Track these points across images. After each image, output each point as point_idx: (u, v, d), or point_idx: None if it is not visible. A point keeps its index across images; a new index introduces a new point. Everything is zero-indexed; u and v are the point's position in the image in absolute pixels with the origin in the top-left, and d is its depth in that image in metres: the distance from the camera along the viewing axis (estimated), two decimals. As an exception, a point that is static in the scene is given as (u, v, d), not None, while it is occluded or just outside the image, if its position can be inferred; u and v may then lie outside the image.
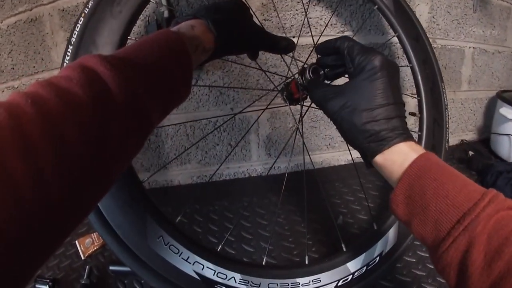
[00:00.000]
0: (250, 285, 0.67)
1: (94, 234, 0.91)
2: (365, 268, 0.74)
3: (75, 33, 0.66)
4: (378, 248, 0.76)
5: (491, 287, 0.34)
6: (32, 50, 1.03)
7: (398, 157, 0.46)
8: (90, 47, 0.65)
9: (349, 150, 0.90)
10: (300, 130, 0.79)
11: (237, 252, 0.89)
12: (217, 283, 0.65)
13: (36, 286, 0.77)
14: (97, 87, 0.34)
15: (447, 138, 0.89)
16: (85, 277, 0.80)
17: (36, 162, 0.27)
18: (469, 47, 1.31)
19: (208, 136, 1.14)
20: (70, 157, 0.30)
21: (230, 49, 0.57)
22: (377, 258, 0.75)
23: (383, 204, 1.06)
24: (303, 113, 0.78)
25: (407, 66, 0.91)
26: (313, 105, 0.60)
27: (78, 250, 0.88)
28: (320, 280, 0.71)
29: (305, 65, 0.62)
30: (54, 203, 0.28)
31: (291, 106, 0.72)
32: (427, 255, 0.79)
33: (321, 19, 1.09)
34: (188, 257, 0.64)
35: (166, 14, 0.93)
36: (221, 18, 0.53)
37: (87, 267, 0.82)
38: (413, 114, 0.90)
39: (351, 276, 0.72)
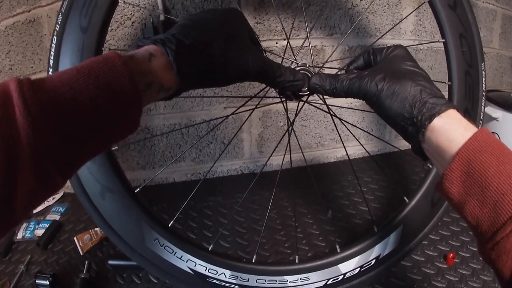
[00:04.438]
0: (240, 279, 0.73)
1: (92, 230, 0.94)
2: (358, 269, 0.75)
3: (51, 55, 0.65)
4: (376, 251, 0.75)
5: None
6: (30, 51, 1.05)
7: (459, 124, 0.42)
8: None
9: (344, 148, 0.90)
10: (290, 128, 0.81)
11: (232, 245, 0.93)
12: (208, 277, 0.73)
13: (37, 281, 0.80)
14: (7, 132, 0.31)
15: None
16: (84, 272, 0.83)
17: None
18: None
19: (202, 134, 1.17)
20: None
21: (202, 83, 0.47)
22: (373, 261, 0.75)
23: (377, 201, 1.10)
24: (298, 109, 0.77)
25: (438, 41, 0.76)
26: (309, 100, 0.62)
27: (77, 246, 0.91)
28: (309, 279, 0.74)
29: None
30: None
31: (283, 102, 0.72)
32: (423, 259, 0.82)
33: (310, 22, 1.13)
34: (182, 256, 0.71)
35: (162, 17, 0.95)
36: (191, 44, 0.42)
37: (86, 262, 0.85)
38: None
39: (342, 276, 0.75)
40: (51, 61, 0.65)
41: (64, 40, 0.64)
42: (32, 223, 1.00)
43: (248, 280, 0.73)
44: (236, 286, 0.73)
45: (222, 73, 0.46)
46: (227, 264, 0.73)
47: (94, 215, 0.69)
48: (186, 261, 0.72)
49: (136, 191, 0.71)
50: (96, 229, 0.95)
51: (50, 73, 0.66)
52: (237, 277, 0.73)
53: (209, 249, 0.74)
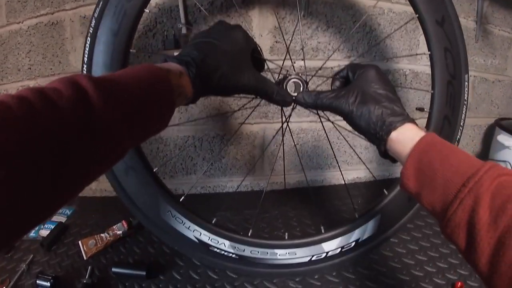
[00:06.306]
0: (237, 249, 0.83)
1: (98, 236, 0.93)
2: (339, 249, 0.84)
3: (86, 53, 0.75)
4: (355, 234, 0.84)
5: (498, 241, 0.38)
6: (51, 53, 1.06)
7: (410, 133, 0.52)
8: (101, 67, 0.75)
9: (341, 172, 0.93)
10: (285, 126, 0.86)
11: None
12: (211, 245, 0.83)
13: (38, 282, 0.79)
14: (84, 107, 0.36)
15: (458, 137, 0.83)
16: (86, 277, 0.82)
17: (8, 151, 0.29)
18: (470, 76, 1.34)
19: (215, 148, 1.17)
20: (40, 155, 0.32)
21: (210, 94, 0.58)
22: (353, 243, 0.84)
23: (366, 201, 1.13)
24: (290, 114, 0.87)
25: (424, 54, 0.84)
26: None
27: (81, 251, 0.90)
28: (296, 254, 0.83)
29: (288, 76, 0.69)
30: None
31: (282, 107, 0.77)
32: (431, 287, 0.81)
33: (329, 44, 1.14)
34: (189, 226, 0.82)
35: (184, 30, 0.97)
36: (205, 68, 0.53)
37: (89, 267, 0.84)
38: (420, 109, 0.85)
39: (325, 254, 0.84)
40: (85, 59, 0.75)
41: (97, 41, 0.74)
42: (37, 223, 0.99)
43: (244, 251, 0.83)
44: (234, 255, 0.83)
45: (225, 88, 0.57)
46: (227, 236, 0.83)
47: (118, 189, 0.80)
48: (193, 231, 0.82)
49: (154, 170, 0.82)
50: (101, 234, 0.94)
51: (84, 69, 0.75)
52: (235, 247, 0.83)
53: (213, 222, 0.84)
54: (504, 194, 0.39)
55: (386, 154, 0.56)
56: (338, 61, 1.16)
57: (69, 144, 0.34)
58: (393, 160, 0.56)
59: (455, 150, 0.47)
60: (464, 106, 0.83)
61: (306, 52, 1.13)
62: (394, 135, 0.53)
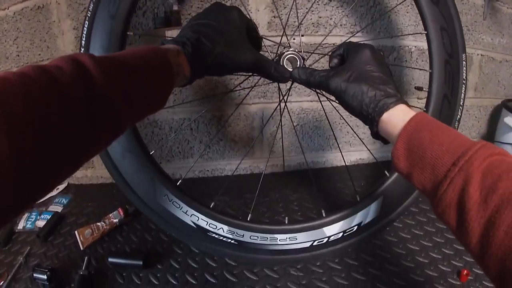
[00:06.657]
0: (236, 235, 0.81)
1: (94, 225, 0.91)
2: (341, 234, 0.82)
3: (83, 37, 0.74)
4: (357, 218, 0.82)
5: (488, 220, 0.37)
6: (38, 38, 1.02)
7: (401, 113, 0.51)
8: (99, 50, 0.74)
9: (341, 153, 0.90)
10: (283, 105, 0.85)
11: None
12: (209, 231, 0.81)
13: (34, 275, 0.77)
14: (85, 84, 0.37)
15: (458, 117, 0.82)
16: (83, 268, 0.80)
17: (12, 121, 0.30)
18: (477, 54, 1.30)
19: (212, 130, 1.14)
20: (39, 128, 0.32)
21: (208, 74, 0.59)
22: (355, 227, 0.82)
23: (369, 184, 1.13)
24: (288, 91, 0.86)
25: (421, 33, 0.82)
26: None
27: (77, 241, 0.88)
28: (296, 238, 0.82)
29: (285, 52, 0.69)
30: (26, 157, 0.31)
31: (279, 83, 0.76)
32: (436, 274, 0.79)
33: (330, 18, 1.08)
34: (187, 211, 0.80)
35: (175, 7, 0.92)
36: (201, 48, 0.55)
37: (85, 258, 0.82)
38: (419, 88, 0.85)
39: (326, 238, 0.82)
40: (83, 42, 0.74)
41: (94, 25, 0.74)
42: (33, 213, 0.98)
43: (243, 236, 0.81)
44: (233, 241, 0.81)
45: (222, 66, 0.58)
46: (225, 220, 0.81)
47: (115, 173, 0.79)
48: (190, 216, 0.80)
49: (151, 153, 0.81)
50: (98, 223, 0.92)
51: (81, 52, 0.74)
52: (234, 233, 0.81)
53: (211, 206, 0.82)
54: (495, 174, 0.38)
55: (377, 135, 0.56)
56: (340, 37, 1.11)
57: (70, 120, 0.35)
58: (385, 141, 0.56)
59: (445, 128, 0.47)
60: (463, 85, 0.82)
61: (306, 28, 1.08)
62: (385, 116, 0.52)
